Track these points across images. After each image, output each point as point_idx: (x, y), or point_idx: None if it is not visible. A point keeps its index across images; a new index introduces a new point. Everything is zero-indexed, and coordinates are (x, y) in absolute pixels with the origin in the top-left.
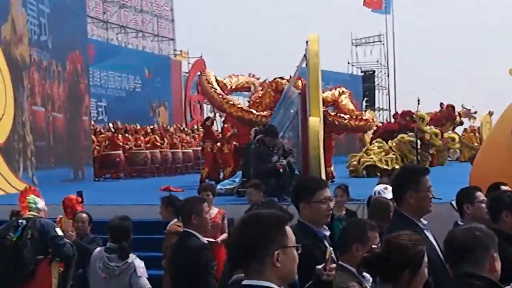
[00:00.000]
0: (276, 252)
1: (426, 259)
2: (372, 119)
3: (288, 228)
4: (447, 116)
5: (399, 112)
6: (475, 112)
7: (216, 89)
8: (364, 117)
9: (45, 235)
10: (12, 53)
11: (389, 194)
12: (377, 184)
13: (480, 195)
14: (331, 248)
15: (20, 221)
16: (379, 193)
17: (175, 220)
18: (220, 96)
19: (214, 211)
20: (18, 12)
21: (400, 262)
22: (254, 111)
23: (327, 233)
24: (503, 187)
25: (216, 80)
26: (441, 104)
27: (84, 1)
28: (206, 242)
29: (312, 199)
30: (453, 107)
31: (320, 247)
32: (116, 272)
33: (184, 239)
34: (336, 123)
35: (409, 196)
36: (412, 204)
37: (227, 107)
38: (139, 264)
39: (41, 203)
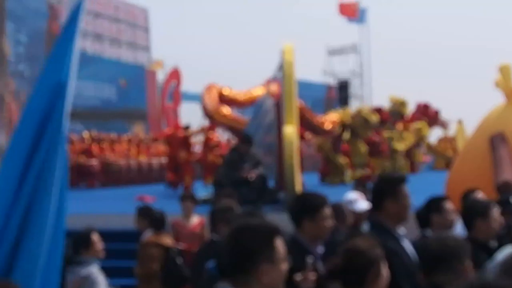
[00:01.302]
0: (264, 266)
1: (383, 260)
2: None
3: (278, 241)
4: (424, 113)
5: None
6: (445, 123)
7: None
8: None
9: None
10: None
11: (360, 205)
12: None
13: (449, 204)
14: (311, 257)
15: None
16: (350, 202)
17: (150, 231)
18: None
19: (195, 219)
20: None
21: (362, 266)
22: None
23: (322, 249)
24: (476, 194)
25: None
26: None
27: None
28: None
29: (317, 216)
30: (427, 106)
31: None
32: None
33: (211, 248)
34: None
35: (388, 204)
36: (391, 212)
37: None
38: None
39: None
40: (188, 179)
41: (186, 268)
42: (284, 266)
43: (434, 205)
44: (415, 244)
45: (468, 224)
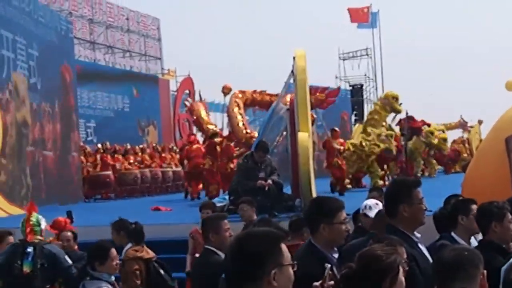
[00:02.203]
0: (273, 271)
1: (401, 268)
2: None
3: (283, 246)
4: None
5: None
6: (472, 127)
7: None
8: None
9: (56, 264)
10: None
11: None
12: (367, 198)
13: (475, 208)
14: (329, 265)
15: (27, 249)
16: (370, 208)
17: (130, 245)
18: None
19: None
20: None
21: (378, 273)
22: None
23: (336, 255)
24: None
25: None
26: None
27: (72, 44)
28: None
29: (334, 220)
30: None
31: (325, 268)
32: None
33: (204, 256)
34: None
35: (403, 209)
36: (406, 217)
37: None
38: None
39: (43, 222)
40: (212, 188)
41: (172, 279)
42: (292, 270)
43: (462, 207)
44: (432, 249)
45: (483, 227)
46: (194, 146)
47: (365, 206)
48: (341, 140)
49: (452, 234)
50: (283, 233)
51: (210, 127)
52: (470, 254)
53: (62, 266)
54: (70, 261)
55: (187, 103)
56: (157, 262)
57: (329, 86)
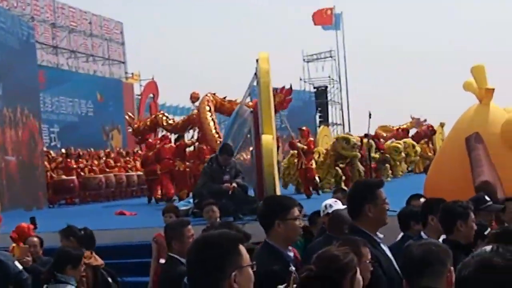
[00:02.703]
0: (234, 274)
1: (358, 268)
2: None
3: (242, 247)
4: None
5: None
6: (425, 120)
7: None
8: None
9: (5, 271)
10: None
11: (339, 206)
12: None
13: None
14: (294, 268)
15: None
16: (330, 206)
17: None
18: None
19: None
20: None
21: (337, 273)
22: None
23: (292, 254)
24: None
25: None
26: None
27: (35, 49)
28: None
29: (288, 216)
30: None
31: (290, 272)
32: None
33: (168, 264)
34: None
35: (367, 209)
36: (370, 217)
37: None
38: None
39: None
40: (183, 192)
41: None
42: (252, 271)
43: (432, 207)
44: (394, 249)
45: (447, 227)
46: (167, 146)
47: (325, 206)
48: (311, 139)
49: (422, 233)
50: (241, 235)
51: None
52: (439, 250)
53: (11, 272)
54: (20, 267)
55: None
56: (105, 270)
57: (284, 86)
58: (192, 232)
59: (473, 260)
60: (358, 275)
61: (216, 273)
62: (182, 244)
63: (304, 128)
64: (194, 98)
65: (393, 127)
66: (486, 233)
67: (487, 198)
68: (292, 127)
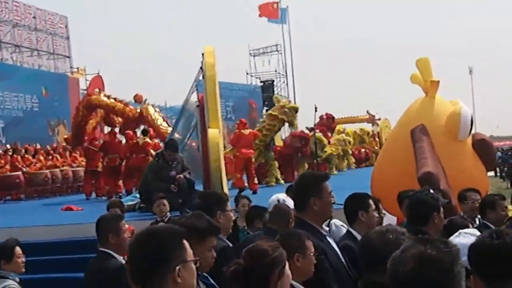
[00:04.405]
0: (178, 268)
1: (287, 261)
2: None
3: (186, 242)
4: (327, 125)
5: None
6: (379, 119)
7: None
8: None
9: None
10: None
11: (290, 203)
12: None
13: (372, 203)
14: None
15: None
16: (283, 201)
17: None
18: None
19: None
20: None
21: (265, 267)
22: None
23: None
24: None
25: None
26: (321, 116)
27: None
28: (125, 262)
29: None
30: (333, 117)
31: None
32: None
33: (101, 260)
34: None
35: (313, 202)
36: (316, 210)
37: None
38: None
39: None
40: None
41: None
42: (195, 266)
43: (361, 203)
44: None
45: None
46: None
47: (278, 201)
48: (252, 131)
49: (351, 229)
50: (185, 230)
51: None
52: (396, 239)
53: None
54: None
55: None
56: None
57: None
58: (126, 226)
59: (407, 254)
60: (287, 270)
61: (160, 266)
62: (118, 238)
63: (242, 119)
64: (138, 99)
65: (344, 118)
66: None
67: (431, 191)
68: (238, 117)
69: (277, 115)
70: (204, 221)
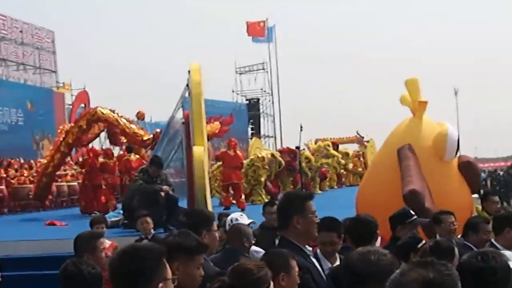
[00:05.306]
0: (160, 285)
1: (271, 281)
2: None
3: (165, 260)
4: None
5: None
6: (368, 141)
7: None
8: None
9: None
10: None
11: (245, 221)
12: (263, 212)
13: None
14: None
15: None
16: (236, 220)
17: None
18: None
19: (106, 244)
20: None
21: (249, 286)
22: None
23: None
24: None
25: None
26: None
27: None
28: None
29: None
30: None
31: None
32: None
33: None
34: None
35: (296, 221)
36: (299, 229)
37: None
38: None
39: None
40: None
41: None
42: (173, 285)
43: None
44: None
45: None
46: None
47: (231, 220)
48: (239, 154)
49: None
50: (165, 248)
51: None
52: (384, 262)
53: None
54: None
55: None
56: None
57: (221, 115)
58: (104, 245)
59: (408, 278)
60: None
61: (144, 284)
62: (94, 257)
63: (232, 139)
64: (140, 117)
65: (332, 139)
66: (419, 246)
67: (412, 212)
68: (224, 139)
69: None
70: (192, 239)
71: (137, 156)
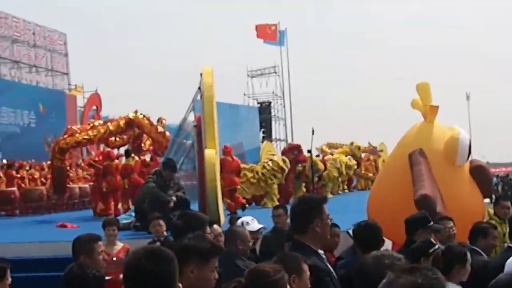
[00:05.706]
0: (180, 286)
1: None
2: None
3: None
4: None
5: (287, 147)
6: (381, 151)
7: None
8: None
9: None
10: None
11: (255, 226)
12: (273, 215)
13: None
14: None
15: None
16: (247, 223)
17: None
18: None
19: (119, 246)
20: None
21: (265, 287)
22: None
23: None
24: None
25: None
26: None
27: None
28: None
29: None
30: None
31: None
32: None
33: None
34: None
35: (316, 224)
36: (318, 232)
37: None
38: None
39: None
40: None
41: None
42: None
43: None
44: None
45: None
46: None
47: (242, 223)
48: (237, 159)
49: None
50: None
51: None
52: (391, 264)
53: None
54: None
55: None
56: None
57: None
58: (102, 248)
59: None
60: None
61: (170, 285)
62: (91, 260)
63: (227, 145)
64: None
65: (342, 144)
66: (430, 251)
67: (429, 218)
68: (235, 142)
69: None
70: (206, 242)
71: (137, 159)
